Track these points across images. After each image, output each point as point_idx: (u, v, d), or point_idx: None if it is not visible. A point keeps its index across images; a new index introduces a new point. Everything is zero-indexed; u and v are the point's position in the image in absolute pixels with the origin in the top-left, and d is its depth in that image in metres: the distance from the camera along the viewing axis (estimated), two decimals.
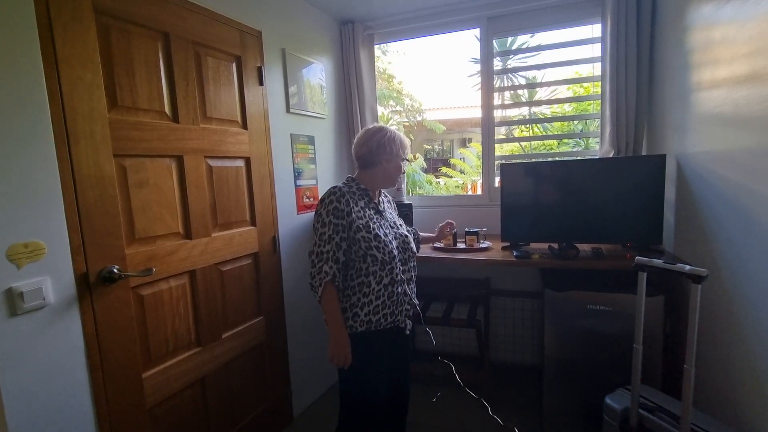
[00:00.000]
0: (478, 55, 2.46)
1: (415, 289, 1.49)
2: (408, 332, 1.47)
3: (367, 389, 1.37)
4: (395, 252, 1.36)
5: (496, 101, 2.51)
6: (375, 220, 1.37)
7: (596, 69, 2.25)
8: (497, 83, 2.59)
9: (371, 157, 1.39)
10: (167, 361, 1.44)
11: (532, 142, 4.46)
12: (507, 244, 2.08)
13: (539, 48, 2.52)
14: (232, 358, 1.69)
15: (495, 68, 2.47)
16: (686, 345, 1.10)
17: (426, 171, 6.52)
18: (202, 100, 1.56)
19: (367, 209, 1.37)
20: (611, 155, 2.08)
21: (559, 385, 1.77)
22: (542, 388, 1.83)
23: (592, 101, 4.47)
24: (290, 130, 2.05)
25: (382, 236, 1.33)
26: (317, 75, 2.27)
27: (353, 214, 1.31)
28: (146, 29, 1.36)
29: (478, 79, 2.51)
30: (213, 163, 1.60)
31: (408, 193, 3.79)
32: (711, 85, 1.45)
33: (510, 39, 5.18)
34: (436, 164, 7.83)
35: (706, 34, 1.50)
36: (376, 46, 2.64)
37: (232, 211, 1.69)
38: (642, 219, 1.80)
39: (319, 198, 1.39)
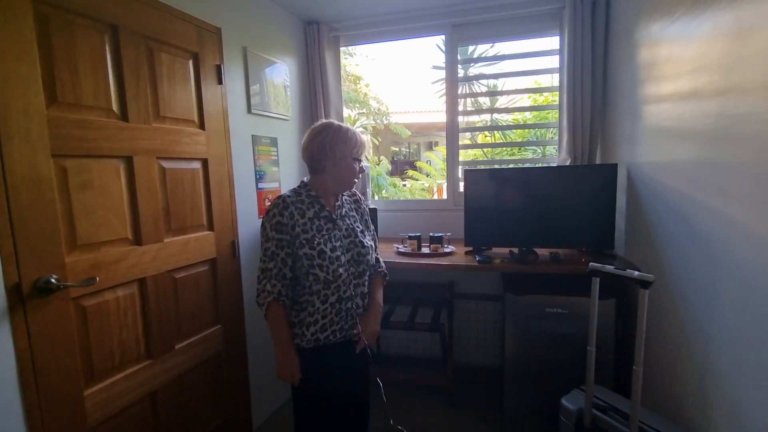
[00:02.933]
0: (439, 63, 2.49)
1: (367, 302, 1.38)
2: (358, 351, 1.35)
3: (318, 404, 1.32)
4: (341, 270, 1.26)
5: (460, 108, 2.56)
6: (325, 231, 1.27)
7: (555, 79, 2.33)
8: (460, 90, 2.63)
9: (315, 162, 1.27)
10: (113, 376, 1.34)
11: (495, 148, 4.58)
12: (470, 248, 2.12)
13: (500, 57, 2.59)
14: (186, 370, 1.61)
15: (459, 75, 2.51)
16: (635, 346, 1.16)
17: (392, 173, 6.55)
18: (155, 98, 1.47)
19: (316, 220, 1.27)
20: (568, 163, 2.17)
21: (520, 385, 1.82)
22: (503, 389, 1.87)
23: (550, 110, 4.67)
24: (252, 131, 1.98)
25: (328, 252, 1.24)
26: (281, 75, 2.21)
27: (297, 228, 1.23)
28: (92, 21, 1.27)
29: (441, 86, 2.55)
30: (167, 164, 1.52)
31: (372, 196, 3.77)
32: (658, 99, 1.54)
33: (471, 48, 5.31)
34: (403, 167, 7.89)
35: (653, 51, 1.59)
36: (342, 48, 2.62)
37: (188, 215, 1.61)
38: (596, 225, 1.88)
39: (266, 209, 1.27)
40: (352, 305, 1.30)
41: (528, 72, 2.48)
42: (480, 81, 4.93)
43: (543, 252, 1.98)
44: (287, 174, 2.27)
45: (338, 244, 1.28)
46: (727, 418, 1.10)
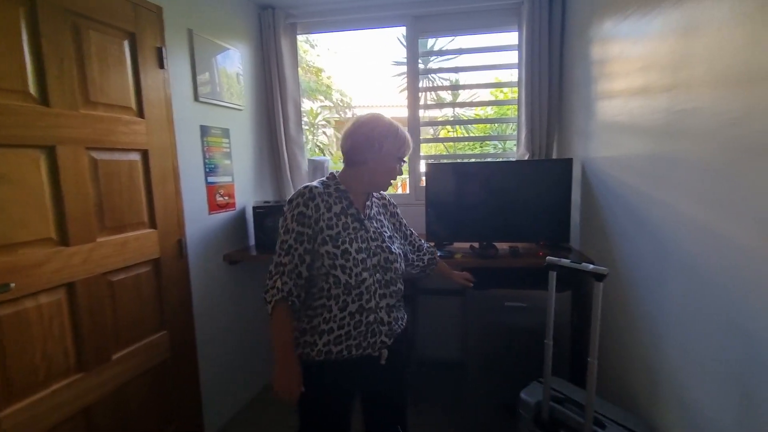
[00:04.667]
0: (400, 58, 2.45)
1: (404, 317, 1.25)
2: (383, 362, 1.17)
3: (325, 426, 1.16)
4: (365, 275, 1.10)
5: (422, 102, 2.53)
6: (351, 231, 1.12)
7: (515, 75, 2.35)
8: (422, 84, 2.60)
9: (355, 153, 1.13)
10: (37, 393, 1.20)
11: (458, 143, 4.62)
12: (432, 243, 2.09)
13: (461, 51, 2.58)
14: (126, 381, 1.47)
15: (420, 68, 2.48)
16: (590, 338, 1.17)
17: None
18: (83, 81, 1.32)
19: (343, 216, 1.13)
20: (527, 158, 2.19)
21: (481, 379, 1.82)
22: (465, 383, 1.87)
23: (510, 105, 4.75)
24: (200, 121, 1.84)
25: (353, 252, 1.09)
26: (234, 63, 2.08)
27: (322, 222, 1.09)
28: None
29: (402, 80, 2.51)
30: (99, 155, 1.37)
31: None
32: (611, 95, 1.57)
33: (432, 41, 5.30)
34: None
35: (606, 48, 1.62)
36: (302, 38, 2.51)
37: (125, 211, 1.46)
38: (552, 219, 1.92)
39: (288, 198, 1.16)
40: (375, 319, 1.13)
41: (489, 67, 2.49)
42: (442, 75, 4.94)
43: (503, 246, 2.00)
44: (241, 167, 2.14)
45: (364, 246, 1.13)
46: (675, 404, 1.14)
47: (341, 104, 5.46)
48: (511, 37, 2.31)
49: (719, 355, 0.96)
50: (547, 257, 1.28)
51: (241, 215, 2.15)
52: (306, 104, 5.18)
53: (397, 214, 1.36)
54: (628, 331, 1.40)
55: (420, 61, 2.47)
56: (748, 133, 0.86)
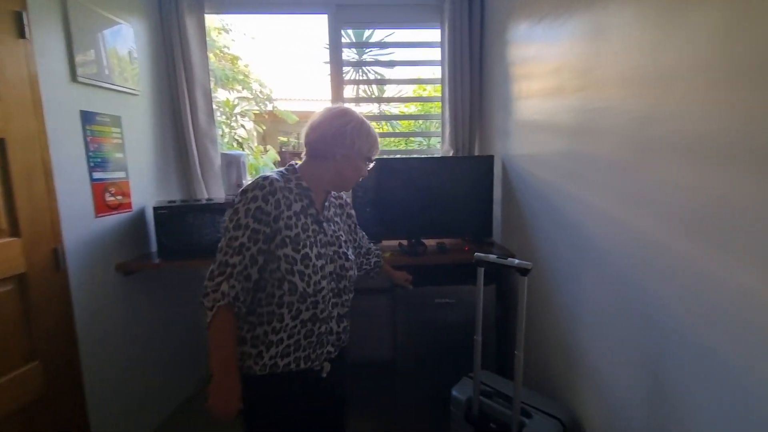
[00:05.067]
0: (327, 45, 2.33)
1: (347, 326, 1.14)
2: (324, 375, 1.08)
3: None
4: (324, 283, 1.02)
5: (350, 94, 2.43)
6: (311, 233, 1.02)
7: (439, 72, 2.37)
8: (351, 75, 2.50)
9: (324, 146, 1.03)
10: None
11: (385, 139, 4.61)
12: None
13: (385, 44, 2.54)
14: None
15: (347, 60, 2.38)
16: (516, 332, 1.19)
17: (279, 164, 6.15)
18: None
19: (302, 216, 1.01)
20: (451, 154, 2.22)
21: (412, 378, 1.80)
22: (396, 382, 1.84)
23: (435, 102, 4.86)
24: (81, 106, 1.53)
25: (313, 258, 1.00)
26: (127, 41, 1.78)
27: (281, 221, 0.97)
28: None
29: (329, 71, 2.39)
30: None
31: None
32: (527, 95, 1.64)
33: (368, 32, 5.21)
34: (291, 158, 7.50)
35: (522, 50, 1.68)
36: (213, 17, 2.25)
37: None
38: (476, 214, 1.96)
39: (242, 188, 0.98)
40: (326, 329, 1.05)
41: (414, 62, 2.48)
42: (369, 68, 4.89)
43: (430, 242, 2.00)
44: (139, 162, 1.85)
45: (323, 251, 1.04)
46: (592, 388, 1.21)
47: (261, 96, 5.12)
48: (435, 35, 2.32)
49: (631, 343, 1.02)
50: (476, 253, 1.27)
51: (140, 217, 1.86)
52: (221, 94, 4.76)
53: (353, 215, 1.26)
54: (548, 321, 1.46)
55: (354, 50, 2.37)
56: (655, 131, 0.92)
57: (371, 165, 1.10)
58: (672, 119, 0.87)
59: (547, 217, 1.46)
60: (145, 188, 1.89)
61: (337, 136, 1.01)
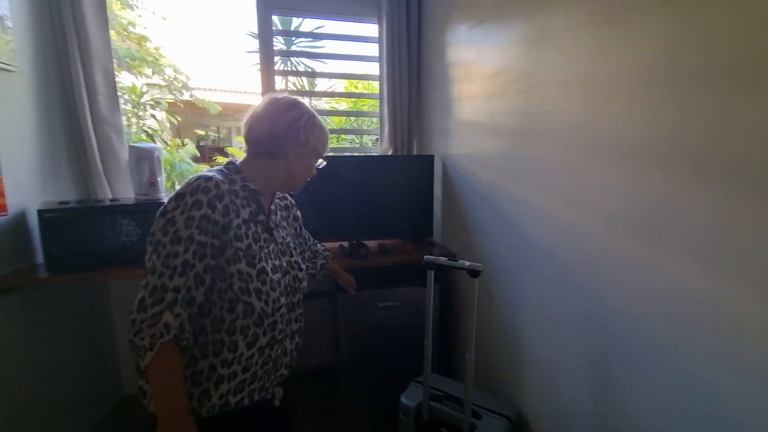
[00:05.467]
0: (256, 30, 2.13)
1: (299, 342, 1.02)
2: (277, 404, 0.98)
3: None
4: (282, 300, 0.89)
5: (279, 86, 2.26)
6: (263, 243, 0.88)
7: (376, 68, 2.30)
8: (279, 67, 2.32)
9: (274, 143, 0.89)
10: None
11: None
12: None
13: (318, 35, 2.41)
14: None
15: (277, 48, 2.21)
16: (466, 334, 1.18)
17: (198, 160, 5.64)
18: None
19: (252, 224, 0.87)
20: (390, 153, 2.18)
21: (357, 385, 1.72)
22: (339, 391, 1.74)
23: (369, 99, 4.80)
24: None
25: (270, 273, 0.86)
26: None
27: (232, 232, 0.81)
28: None
29: (257, 58, 2.19)
30: None
31: (172, 186, 3.11)
32: (468, 96, 1.65)
33: (296, 21, 4.94)
34: (211, 153, 6.92)
35: (463, 51, 1.69)
36: None
37: None
38: (417, 214, 1.94)
39: (176, 191, 0.79)
40: (281, 350, 0.92)
41: (353, 57, 2.38)
42: (299, 60, 4.65)
43: (371, 244, 1.93)
44: (13, 152, 1.50)
45: (277, 263, 0.91)
46: (536, 384, 1.24)
47: (176, 83, 4.61)
48: (372, 29, 2.25)
49: (575, 339, 1.06)
50: (426, 256, 1.24)
51: (19, 222, 1.51)
52: (126, 78, 4.19)
53: (299, 217, 1.14)
54: (492, 320, 1.48)
55: (282, 39, 2.19)
56: (598, 136, 0.95)
57: (323, 163, 0.99)
58: (615, 125, 0.90)
59: (490, 217, 1.48)
60: (25, 186, 1.54)
61: (290, 131, 0.88)
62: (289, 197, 1.10)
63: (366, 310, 1.68)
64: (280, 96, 0.92)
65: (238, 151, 5.08)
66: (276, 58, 2.27)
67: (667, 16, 0.77)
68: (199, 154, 4.77)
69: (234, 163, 0.90)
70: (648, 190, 0.83)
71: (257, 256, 0.84)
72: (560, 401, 1.13)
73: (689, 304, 0.75)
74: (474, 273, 1.13)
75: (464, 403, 1.20)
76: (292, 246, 1.00)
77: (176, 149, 4.68)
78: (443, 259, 1.20)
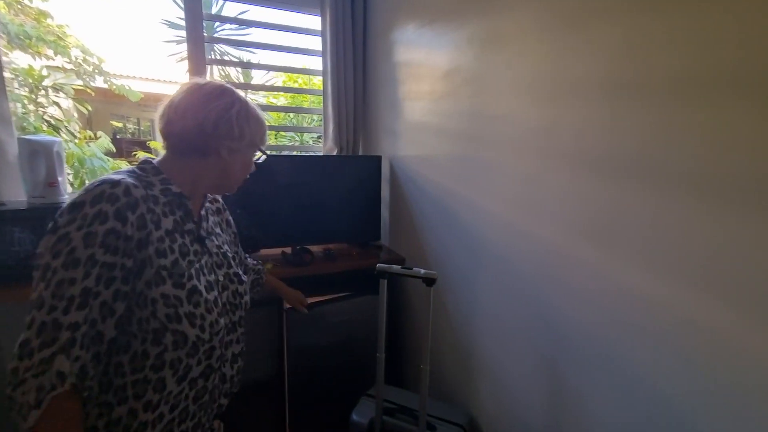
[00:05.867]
0: (173, 18, 1.90)
1: (241, 366, 0.89)
2: None
3: None
4: (222, 321, 0.76)
5: (209, 77, 2.05)
6: (192, 257, 0.74)
7: (316, 62, 2.18)
8: (209, 56, 2.11)
9: (202, 138, 0.73)
10: None
11: None
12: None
13: (253, 23, 2.22)
14: None
15: (208, 35, 1.99)
16: (421, 345, 1.13)
17: (115, 155, 5.05)
18: None
19: (178, 235, 0.72)
20: (335, 153, 2.08)
21: (304, 400, 1.60)
22: (286, 407, 1.61)
23: (310, 95, 4.59)
24: None
25: (203, 292, 0.72)
26: None
27: (150, 247, 0.66)
28: None
29: (175, 48, 1.96)
30: None
31: (81, 185, 2.72)
32: (418, 96, 1.60)
33: (216, 5, 4.54)
34: (130, 147, 6.23)
35: (412, 51, 1.65)
36: None
37: None
38: (364, 217, 1.87)
39: (72, 200, 0.62)
40: (219, 378, 0.79)
41: (289, 49, 2.23)
42: (227, 51, 4.29)
43: (316, 249, 1.82)
44: None
45: (212, 278, 0.78)
46: (490, 390, 1.23)
47: (87, 66, 4.04)
48: (315, 21, 2.13)
49: (529, 345, 1.06)
50: (378, 264, 1.17)
51: None
52: (20, 58, 3.58)
53: (232, 223, 0.98)
54: (444, 326, 1.46)
55: (204, 27, 1.98)
56: (553, 142, 0.95)
57: (262, 158, 0.86)
58: (571, 132, 0.90)
59: (441, 221, 1.46)
60: None
61: (221, 124, 0.74)
62: (219, 200, 0.95)
63: (312, 321, 1.57)
64: (203, 82, 0.77)
65: (160, 145, 4.61)
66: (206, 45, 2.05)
67: (626, 23, 0.77)
68: (114, 149, 4.24)
69: (150, 163, 0.74)
70: (604, 199, 0.84)
71: (186, 274, 0.70)
72: (514, 407, 1.13)
73: (643, 310, 0.77)
74: (429, 281, 1.08)
75: (419, 417, 1.15)
76: (230, 255, 0.86)
77: (86, 142, 4.11)
78: (396, 267, 1.14)
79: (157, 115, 0.75)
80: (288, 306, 1.24)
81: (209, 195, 0.88)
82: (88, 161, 3.44)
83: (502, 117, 1.11)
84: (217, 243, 0.84)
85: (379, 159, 1.86)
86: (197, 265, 0.74)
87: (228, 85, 0.79)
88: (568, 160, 0.91)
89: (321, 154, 2.19)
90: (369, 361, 1.31)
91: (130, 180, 0.66)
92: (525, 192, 1.04)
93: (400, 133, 1.78)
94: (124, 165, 4.28)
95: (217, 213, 0.92)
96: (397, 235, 1.89)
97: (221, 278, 0.80)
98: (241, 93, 0.81)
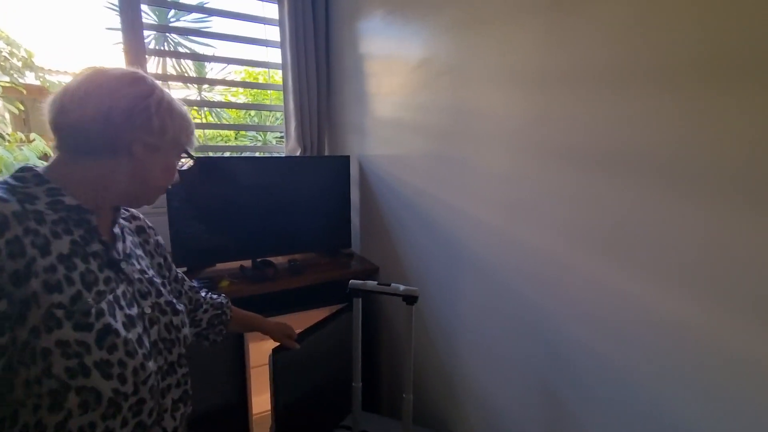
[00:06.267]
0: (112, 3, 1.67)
1: (186, 411, 0.70)
2: None
3: None
4: (150, 365, 0.59)
5: (155, 70, 1.81)
6: (102, 285, 0.57)
7: (277, 55, 1.99)
8: (152, 46, 1.87)
9: (107, 132, 0.57)
10: None
11: (206, 132, 3.86)
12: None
13: (209, 11, 2.00)
14: None
15: (147, 23, 1.76)
16: (403, 371, 0.99)
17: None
18: None
19: (78, 260, 0.55)
20: (298, 153, 1.90)
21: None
22: None
23: (271, 91, 4.33)
24: None
25: (122, 331, 0.56)
26: None
27: (35, 280, 0.50)
28: None
29: (121, 36, 1.71)
30: None
31: None
32: (388, 91, 1.46)
33: None
34: None
35: (379, 41, 1.50)
36: None
37: None
38: (332, 223, 1.71)
39: None
40: None
41: (246, 39, 2.02)
42: (180, 40, 3.92)
43: (280, 260, 1.64)
44: None
45: (134, 311, 0.61)
46: (477, 411, 1.11)
47: (13, 60, 3.60)
48: (272, 10, 1.94)
49: (524, 365, 0.94)
50: (351, 281, 1.02)
51: None
52: None
53: (162, 244, 0.80)
54: (427, 345, 1.32)
55: (156, 15, 1.75)
56: (540, 139, 0.84)
57: (188, 163, 0.71)
58: (560, 127, 0.79)
59: (418, 226, 1.32)
60: None
61: (135, 114, 0.58)
62: (140, 216, 0.77)
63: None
64: (109, 67, 0.61)
65: None
66: (148, 35, 1.82)
67: (628, 4, 0.66)
68: (51, 153, 3.81)
69: (32, 170, 0.56)
70: (594, 197, 0.74)
71: (93, 310, 0.54)
72: (505, 427, 1.01)
73: (637, 313, 0.67)
74: (410, 299, 0.95)
75: None
76: (158, 282, 0.70)
77: (18, 146, 3.67)
78: (372, 284, 0.99)
79: (45, 105, 0.57)
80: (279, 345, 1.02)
81: (124, 210, 0.71)
82: (15, 168, 3.04)
83: (483, 112, 0.99)
84: (138, 267, 0.67)
85: (347, 159, 1.71)
86: (109, 297, 0.57)
87: (143, 73, 0.63)
88: (562, 157, 0.80)
89: (283, 155, 2.00)
90: (342, 386, 1.15)
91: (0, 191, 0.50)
92: (512, 194, 0.92)
93: (369, 130, 1.63)
94: None
95: (138, 232, 0.75)
96: (369, 242, 1.74)
97: (147, 310, 0.64)
98: (160, 86, 0.64)
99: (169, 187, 0.68)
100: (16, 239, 0.49)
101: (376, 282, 1.00)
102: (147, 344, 0.61)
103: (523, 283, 0.92)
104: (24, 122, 6.09)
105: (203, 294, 0.91)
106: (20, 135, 4.06)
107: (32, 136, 3.96)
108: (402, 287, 0.96)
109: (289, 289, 1.47)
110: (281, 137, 2.20)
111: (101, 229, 0.61)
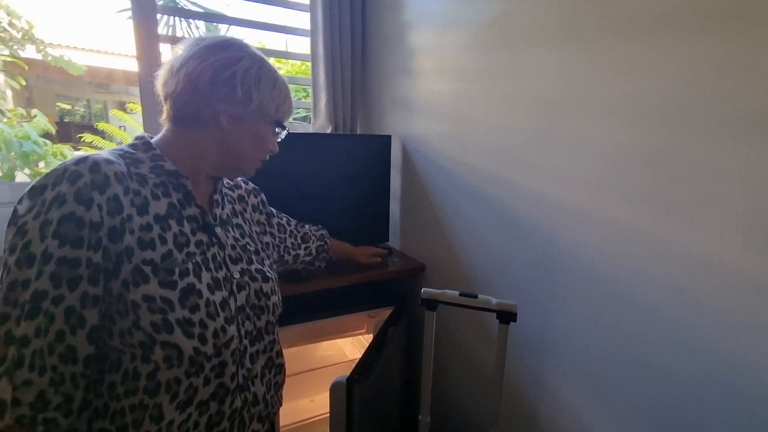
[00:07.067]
0: None
1: (280, 381, 0.73)
2: None
3: None
4: (231, 329, 0.59)
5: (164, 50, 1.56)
6: (194, 248, 0.59)
7: (301, 20, 1.74)
8: (165, 30, 1.62)
9: (195, 101, 0.58)
10: None
11: None
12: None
13: None
14: None
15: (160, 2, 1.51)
16: (492, 405, 0.76)
17: (59, 138, 4.38)
18: None
19: (173, 222, 0.57)
20: (329, 131, 1.66)
21: None
22: None
23: (296, 60, 4.07)
24: None
25: (205, 292, 0.57)
26: None
27: (129, 237, 0.52)
28: None
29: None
30: None
31: (10, 173, 2.33)
32: (445, 58, 1.21)
33: None
34: (80, 130, 5.52)
35: (431, 3, 1.25)
36: None
37: None
38: (367, 212, 1.48)
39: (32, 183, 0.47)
40: (244, 400, 0.63)
41: (272, 1, 1.77)
42: (192, 21, 3.72)
43: None
44: None
45: (221, 274, 0.61)
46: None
47: (13, 31, 3.37)
48: None
49: (643, 398, 0.71)
50: (423, 289, 0.79)
51: None
52: None
53: (264, 203, 0.85)
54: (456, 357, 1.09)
55: None
56: (699, 101, 0.59)
57: (283, 133, 0.68)
58: (683, 82, 0.54)
59: (484, 218, 1.08)
60: None
61: (218, 82, 0.58)
62: (242, 184, 0.79)
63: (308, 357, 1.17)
64: (208, 36, 0.62)
65: (114, 128, 4.00)
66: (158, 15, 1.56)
67: None
68: (53, 130, 3.59)
69: (144, 138, 0.60)
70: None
71: (178, 270, 0.55)
72: None
73: None
74: (506, 316, 0.71)
75: None
76: (252, 249, 0.71)
77: (18, 122, 3.46)
78: (452, 294, 0.76)
79: (156, 75, 0.62)
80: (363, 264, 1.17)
81: (226, 180, 0.73)
82: (16, 143, 2.84)
83: (602, 68, 0.74)
84: (234, 234, 0.68)
85: (387, 139, 1.46)
86: (198, 258, 0.59)
87: (236, 39, 0.63)
88: (734, 123, 0.55)
89: (311, 132, 1.75)
90: (406, 418, 0.93)
91: (105, 155, 0.53)
92: (646, 177, 0.68)
93: (416, 104, 1.38)
94: (66, 150, 3.67)
95: (240, 201, 0.77)
96: (412, 236, 1.50)
97: (236, 275, 0.64)
98: (259, 52, 0.63)
99: (266, 159, 0.68)
100: (115, 197, 0.51)
101: (457, 292, 0.76)
102: (232, 308, 0.61)
103: (647, 290, 0.68)
104: (28, 101, 5.89)
105: (307, 227, 1.03)
106: (21, 111, 3.84)
107: (33, 111, 3.74)
108: (495, 300, 0.72)
109: (326, 289, 1.24)
110: (306, 114, 1.96)
111: (199, 195, 0.62)
